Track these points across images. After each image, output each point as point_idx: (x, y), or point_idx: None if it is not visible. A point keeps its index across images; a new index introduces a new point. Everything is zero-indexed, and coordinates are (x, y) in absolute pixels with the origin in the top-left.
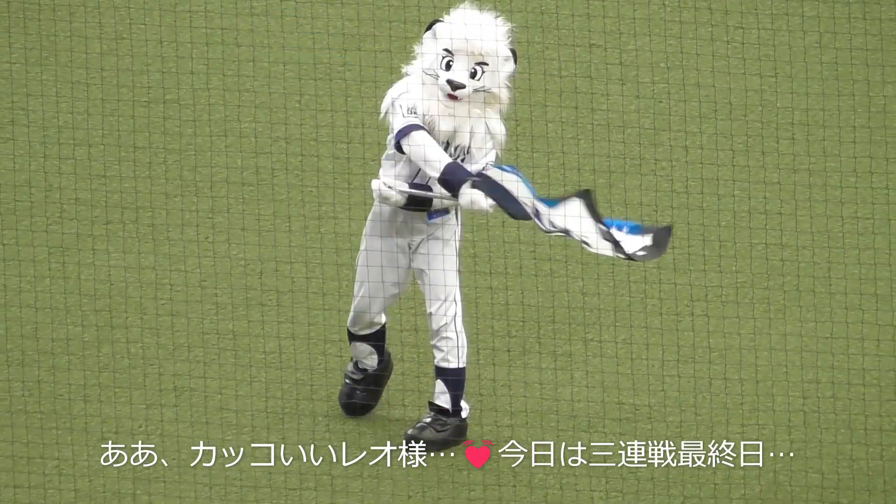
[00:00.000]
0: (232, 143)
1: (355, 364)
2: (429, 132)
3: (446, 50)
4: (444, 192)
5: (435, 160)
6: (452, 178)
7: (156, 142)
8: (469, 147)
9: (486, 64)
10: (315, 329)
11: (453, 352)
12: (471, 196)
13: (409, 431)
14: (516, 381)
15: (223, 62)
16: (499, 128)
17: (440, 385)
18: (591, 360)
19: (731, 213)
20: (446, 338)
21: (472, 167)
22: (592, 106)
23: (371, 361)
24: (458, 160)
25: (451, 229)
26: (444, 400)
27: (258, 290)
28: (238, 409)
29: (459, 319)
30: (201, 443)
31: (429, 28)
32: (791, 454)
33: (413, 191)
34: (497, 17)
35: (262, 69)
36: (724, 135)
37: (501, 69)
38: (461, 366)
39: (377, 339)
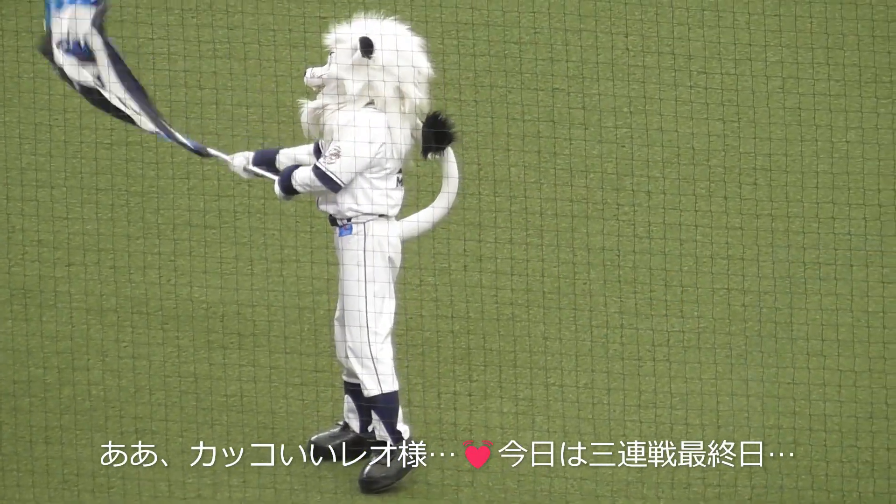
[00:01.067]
0: (194, 186)
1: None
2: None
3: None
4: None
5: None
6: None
7: (118, 184)
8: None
9: (331, 53)
10: (277, 373)
11: (371, 379)
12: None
13: (361, 478)
14: (477, 425)
15: (186, 105)
16: (360, 120)
17: (374, 415)
18: (552, 404)
19: (693, 258)
20: (362, 368)
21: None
22: (555, 150)
23: (353, 423)
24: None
25: (355, 247)
26: (379, 430)
27: (220, 333)
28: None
29: (376, 344)
30: (163, 485)
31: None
32: (751, 501)
33: (260, 166)
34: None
35: (226, 112)
36: (686, 180)
37: (343, 58)
38: (386, 391)
39: (357, 394)
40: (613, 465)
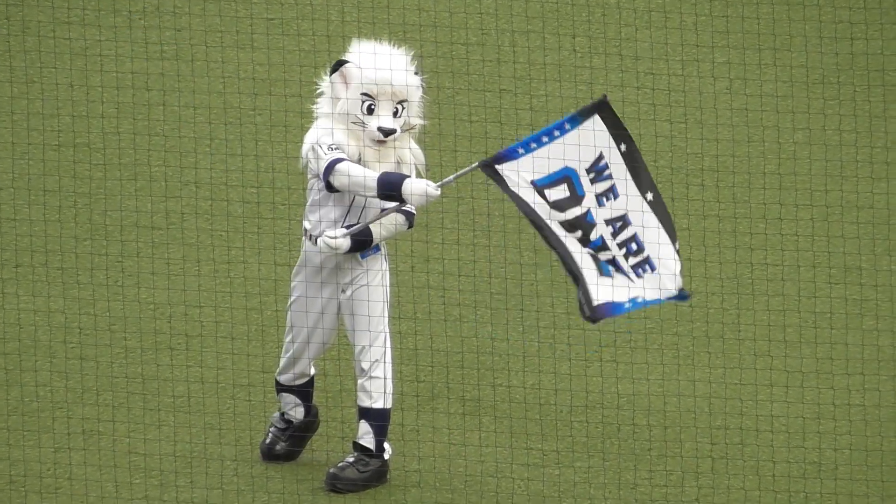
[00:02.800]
0: (142, 187)
1: (282, 415)
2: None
3: (365, 94)
4: (385, 211)
5: (362, 183)
6: (390, 184)
7: (66, 185)
8: None
9: (405, 101)
10: (224, 373)
11: (380, 392)
12: (411, 186)
13: (331, 470)
14: (424, 425)
15: (133, 106)
16: (418, 153)
17: (364, 425)
18: (499, 405)
19: None
20: (374, 377)
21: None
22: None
23: (297, 413)
24: None
25: (379, 266)
26: (368, 440)
27: (167, 334)
28: (146, 452)
29: (387, 359)
30: (110, 486)
31: (335, 70)
32: (698, 501)
33: (353, 230)
34: (400, 48)
35: (173, 113)
36: None
37: (417, 100)
38: (387, 406)
39: (305, 390)
40: (561, 465)
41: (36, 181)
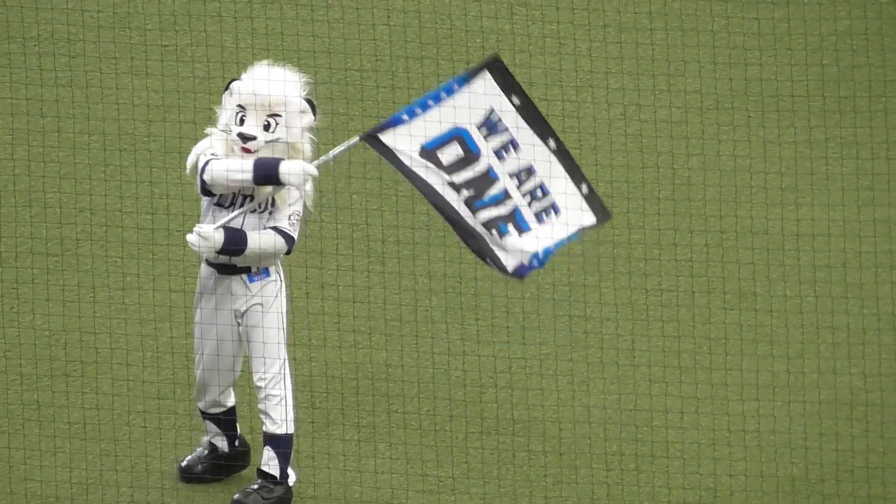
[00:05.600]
0: (37, 214)
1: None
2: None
3: (239, 105)
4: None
5: (238, 168)
6: (266, 166)
7: None
8: (273, 199)
9: (279, 115)
10: (119, 400)
11: (281, 418)
12: (289, 166)
13: (236, 496)
14: (320, 452)
15: (28, 133)
16: (310, 168)
17: (269, 451)
18: (394, 431)
19: (535, 285)
20: (274, 404)
21: (276, 219)
22: (396, 177)
23: (220, 443)
24: (263, 212)
25: (273, 291)
26: (272, 466)
27: (63, 361)
28: (43, 479)
29: (287, 384)
30: None
31: (227, 87)
32: None
33: (224, 222)
34: (291, 70)
35: (68, 139)
36: None
37: (296, 122)
38: (289, 432)
39: (226, 421)
40: (457, 492)
41: None
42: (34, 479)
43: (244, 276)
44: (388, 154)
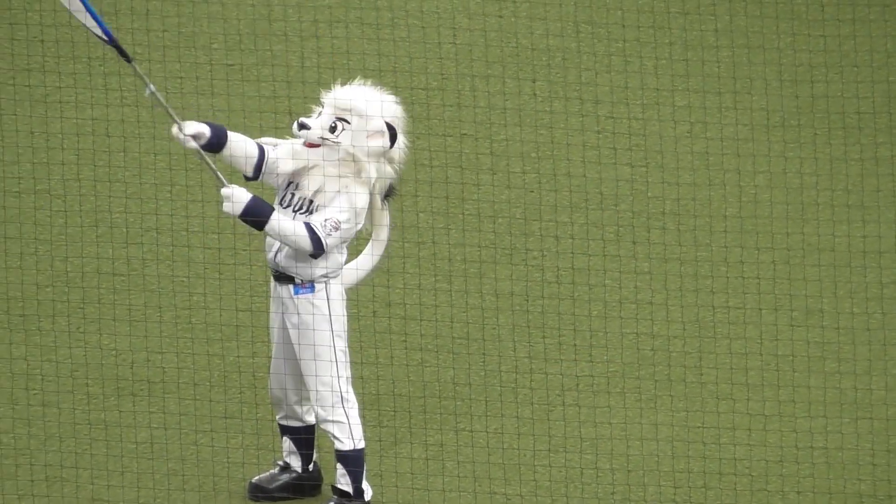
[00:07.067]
0: (103, 234)
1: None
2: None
3: (320, 104)
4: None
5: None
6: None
7: (27, 232)
8: (312, 199)
9: (348, 122)
10: (187, 419)
11: (345, 434)
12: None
13: None
14: (388, 471)
15: (94, 153)
16: (360, 201)
17: (339, 468)
18: (462, 449)
19: (601, 303)
20: (334, 421)
21: (312, 218)
22: (463, 195)
23: (294, 462)
24: (301, 211)
25: (321, 307)
26: (344, 483)
27: (130, 381)
28: (110, 499)
29: (349, 399)
30: None
31: None
32: None
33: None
34: (389, 94)
35: (134, 159)
36: (594, 224)
37: (362, 136)
38: (357, 447)
39: (302, 439)
40: None
41: None
42: (102, 499)
43: (290, 287)
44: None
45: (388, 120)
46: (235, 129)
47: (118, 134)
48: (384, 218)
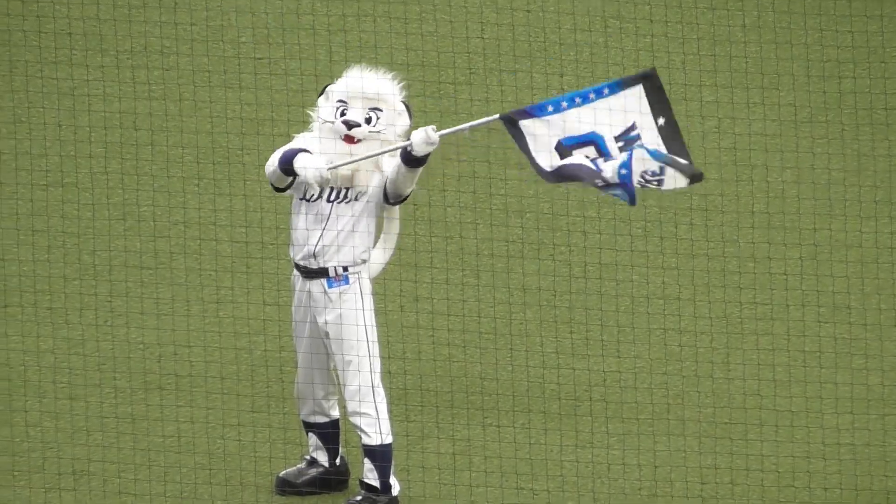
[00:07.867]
0: (131, 227)
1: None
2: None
3: (341, 101)
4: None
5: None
6: (286, 158)
7: (54, 225)
8: (367, 191)
9: (381, 110)
10: (214, 413)
11: (373, 428)
12: (304, 160)
13: None
14: (415, 465)
15: (122, 146)
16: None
17: (367, 463)
18: (489, 444)
19: (629, 298)
20: (364, 414)
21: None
22: (491, 190)
23: (321, 457)
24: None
25: (354, 303)
26: (372, 477)
27: (157, 374)
28: (137, 492)
29: (378, 394)
30: None
31: (321, 93)
32: None
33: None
34: (386, 73)
35: (161, 153)
36: (622, 220)
37: (396, 121)
38: (385, 441)
39: (329, 434)
40: None
41: (24, 221)
42: (129, 492)
43: (324, 281)
44: (520, 139)
45: (402, 100)
46: (262, 123)
47: (146, 127)
48: (394, 211)
